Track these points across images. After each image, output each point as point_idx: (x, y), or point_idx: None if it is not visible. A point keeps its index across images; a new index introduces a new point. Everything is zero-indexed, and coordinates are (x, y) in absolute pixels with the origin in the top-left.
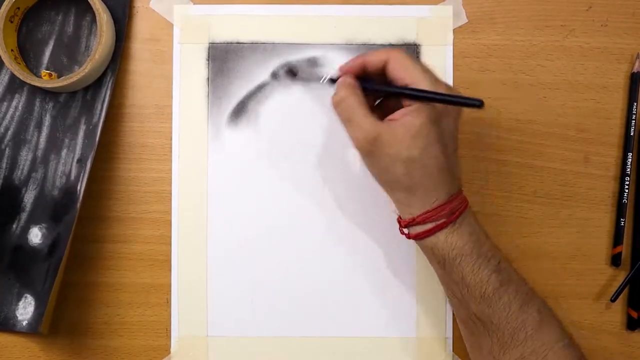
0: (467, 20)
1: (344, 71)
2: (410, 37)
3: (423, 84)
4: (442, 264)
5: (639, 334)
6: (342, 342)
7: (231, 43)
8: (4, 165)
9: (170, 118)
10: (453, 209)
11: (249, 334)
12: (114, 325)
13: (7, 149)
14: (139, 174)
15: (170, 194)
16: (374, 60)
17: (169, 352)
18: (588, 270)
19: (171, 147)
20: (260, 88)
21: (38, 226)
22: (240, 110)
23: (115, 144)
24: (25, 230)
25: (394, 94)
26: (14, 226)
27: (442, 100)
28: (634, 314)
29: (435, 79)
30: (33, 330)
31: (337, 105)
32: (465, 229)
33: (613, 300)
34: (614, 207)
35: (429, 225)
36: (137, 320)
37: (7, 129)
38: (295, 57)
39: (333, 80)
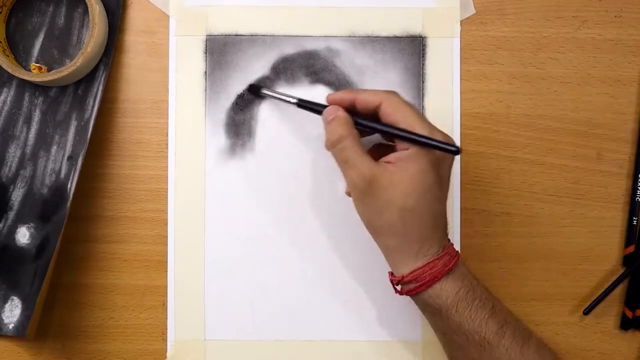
0: (474, 12)
1: (332, 101)
2: (415, 29)
3: (418, 129)
4: (439, 314)
5: (632, 334)
6: (347, 345)
7: (229, 35)
8: None
9: (166, 113)
10: (448, 260)
11: (247, 338)
12: (107, 328)
13: None
14: (134, 171)
15: (167, 192)
16: (367, 99)
17: (165, 357)
18: (601, 272)
19: (167, 144)
20: (259, 82)
21: (26, 226)
22: (238, 105)
23: (110, 140)
24: (13, 229)
25: (383, 132)
26: (1, 225)
27: (421, 143)
28: (629, 314)
29: (431, 125)
30: (20, 334)
31: (333, 145)
32: (458, 274)
33: (586, 313)
34: (628, 206)
35: (426, 279)
36: (132, 324)
37: None
38: (295, 49)
39: (300, 104)
